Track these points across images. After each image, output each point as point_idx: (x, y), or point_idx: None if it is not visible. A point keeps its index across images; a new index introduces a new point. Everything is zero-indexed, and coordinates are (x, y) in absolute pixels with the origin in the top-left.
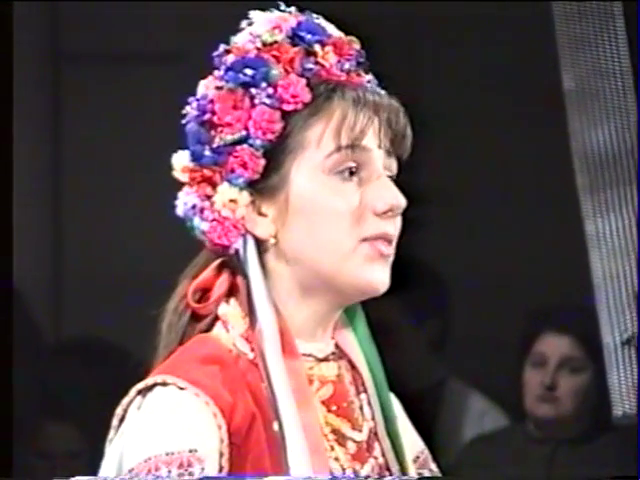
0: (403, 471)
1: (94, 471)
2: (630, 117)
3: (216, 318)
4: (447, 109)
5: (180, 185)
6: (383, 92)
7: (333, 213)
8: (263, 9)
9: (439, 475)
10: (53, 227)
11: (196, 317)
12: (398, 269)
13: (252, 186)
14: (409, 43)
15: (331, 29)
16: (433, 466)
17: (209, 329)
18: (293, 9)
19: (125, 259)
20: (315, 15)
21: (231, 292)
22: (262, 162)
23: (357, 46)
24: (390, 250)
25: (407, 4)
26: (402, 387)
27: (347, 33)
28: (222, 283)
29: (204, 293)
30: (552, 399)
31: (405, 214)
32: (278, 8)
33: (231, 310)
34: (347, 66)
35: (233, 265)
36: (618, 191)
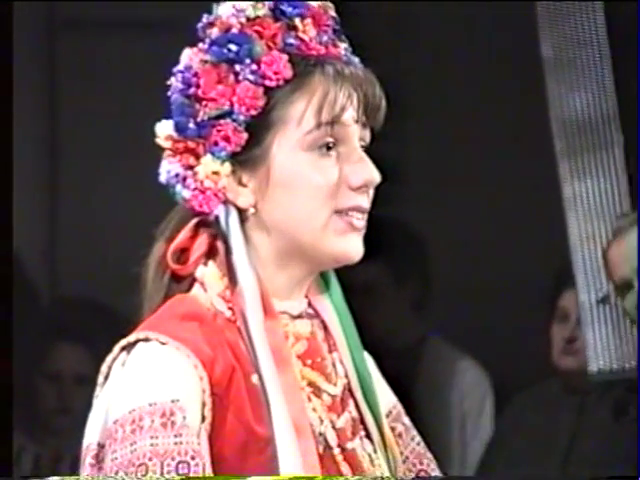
0: (378, 425)
1: None
2: (606, 84)
3: (194, 279)
4: (428, 79)
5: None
6: (358, 62)
7: (311, 187)
8: None
9: (413, 430)
10: (50, 196)
11: (175, 278)
12: (380, 232)
13: (234, 157)
14: (389, 14)
15: (310, 1)
16: (406, 420)
17: (188, 290)
18: None
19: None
20: None
21: (209, 254)
22: (244, 136)
23: (332, 12)
24: (362, 222)
25: None
26: (384, 344)
27: None
28: (200, 245)
29: (181, 253)
30: (573, 352)
31: (380, 188)
32: None
33: (208, 271)
34: (325, 38)
35: (211, 227)
36: (594, 155)
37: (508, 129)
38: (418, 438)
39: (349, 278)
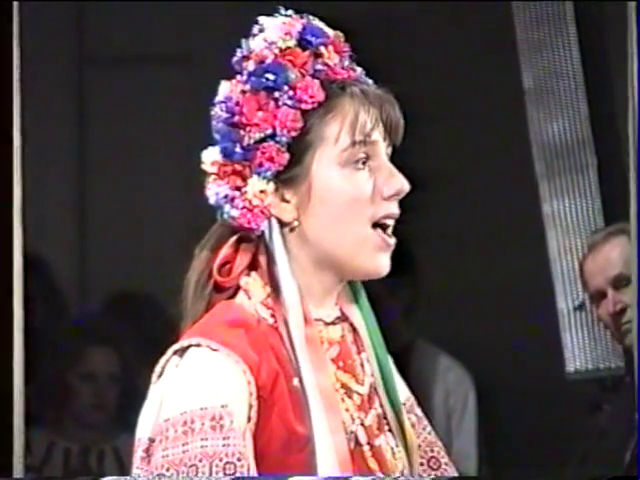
0: (398, 419)
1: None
2: (581, 112)
3: (238, 288)
4: (419, 106)
5: (198, 172)
6: (371, 83)
7: (349, 199)
8: (264, 14)
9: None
10: (79, 212)
11: (218, 288)
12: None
13: (277, 177)
14: (387, 43)
15: (327, 29)
16: (418, 411)
17: (231, 297)
18: (292, 12)
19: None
20: (311, 17)
21: (252, 266)
22: (287, 156)
23: (344, 41)
24: (393, 239)
25: (382, 14)
26: None
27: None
28: (243, 258)
29: (223, 267)
30: None
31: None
32: (278, 12)
33: (252, 281)
34: (346, 63)
35: (252, 241)
36: (571, 177)
37: (493, 152)
38: (429, 428)
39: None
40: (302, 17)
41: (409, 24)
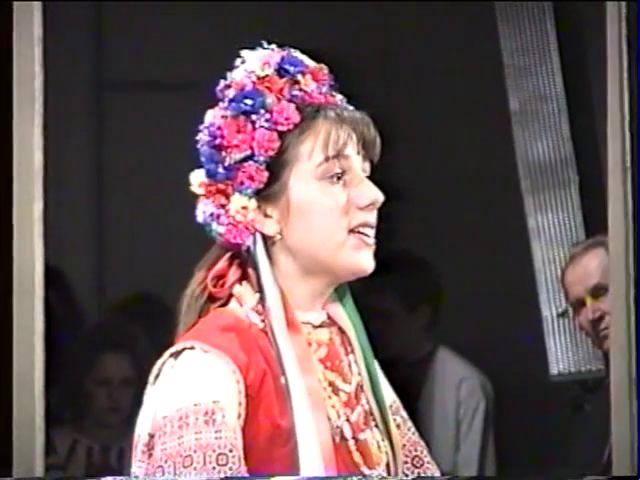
0: (383, 416)
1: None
2: (563, 132)
3: (230, 296)
4: (412, 127)
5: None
6: (353, 109)
7: (326, 211)
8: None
9: (408, 422)
10: (97, 223)
11: (212, 299)
12: (391, 263)
13: (258, 194)
14: (382, 71)
15: (307, 60)
16: (403, 413)
17: (224, 305)
18: (274, 46)
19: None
20: (292, 49)
21: (243, 276)
22: (265, 174)
23: (327, 71)
24: (372, 240)
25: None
26: (397, 360)
27: (318, 61)
28: (235, 271)
29: (218, 280)
30: None
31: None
32: (262, 46)
33: (243, 290)
34: (324, 89)
35: (242, 257)
36: (554, 192)
37: (482, 169)
38: (413, 429)
39: (369, 305)
40: (283, 49)
41: (405, 52)
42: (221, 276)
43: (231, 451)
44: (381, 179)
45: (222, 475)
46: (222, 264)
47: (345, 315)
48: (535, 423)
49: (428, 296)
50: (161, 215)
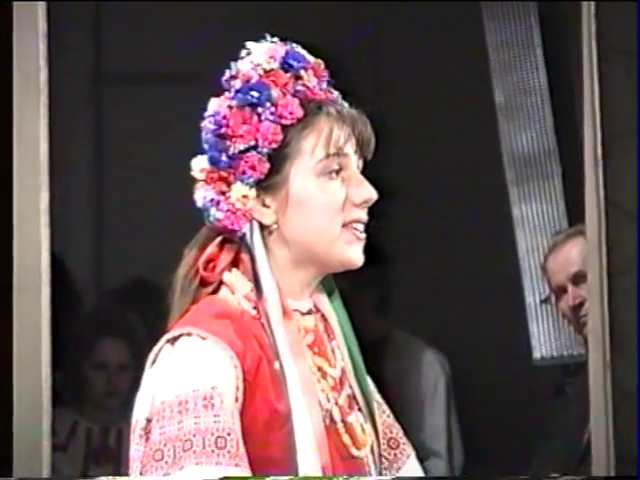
0: (366, 399)
1: (139, 384)
2: (547, 125)
3: (220, 283)
4: (402, 119)
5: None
6: (347, 105)
7: (323, 206)
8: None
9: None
10: (96, 209)
11: (203, 283)
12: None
13: (258, 184)
14: (371, 66)
15: (308, 56)
16: (378, 397)
17: (214, 292)
18: (277, 39)
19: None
20: (294, 44)
21: (234, 263)
22: (267, 165)
23: (324, 67)
24: (363, 235)
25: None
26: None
27: (330, 57)
28: (226, 256)
29: (208, 264)
30: None
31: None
32: (266, 39)
33: (234, 277)
34: (324, 86)
35: (233, 241)
36: (538, 183)
37: (468, 161)
38: (388, 411)
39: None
40: (286, 43)
41: (393, 48)
42: (211, 260)
43: (229, 434)
44: (370, 173)
45: (221, 458)
46: (213, 248)
47: (328, 303)
48: (519, 405)
49: (377, 279)
50: (159, 204)
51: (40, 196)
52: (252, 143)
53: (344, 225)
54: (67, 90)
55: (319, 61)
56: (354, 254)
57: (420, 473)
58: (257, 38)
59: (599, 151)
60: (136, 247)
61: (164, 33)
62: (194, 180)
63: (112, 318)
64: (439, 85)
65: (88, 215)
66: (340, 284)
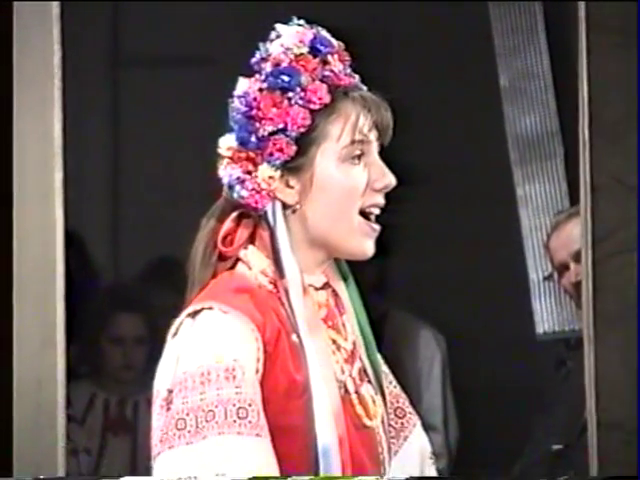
0: (375, 371)
1: (154, 357)
2: (550, 108)
3: (237, 260)
4: (412, 102)
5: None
6: (365, 89)
7: (345, 189)
8: (278, 21)
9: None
10: (112, 196)
11: (222, 257)
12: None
13: (284, 165)
14: (381, 52)
15: (333, 40)
16: (385, 367)
17: (232, 267)
18: (303, 22)
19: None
20: (320, 28)
21: (250, 239)
22: (294, 148)
23: (345, 50)
24: (378, 226)
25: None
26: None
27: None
28: (243, 232)
29: (225, 238)
30: None
31: None
32: (294, 22)
33: (250, 253)
34: (348, 71)
35: (251, 217)
36: (541, 164)
37: (473, 143)
38: (395, 382)
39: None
40: (312, 27)
41: (402, 34)
42: (228, 235)
43: (250, 405)
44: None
45: (242, 428)
46: (229, 224)
47: (339, 279)
48: (522, 377)
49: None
50: (174, 182)
51: (54, 176)
52: (281, 126)
53: (362, 210)
54: (85, 72)
55: (341, 44)
56: (368, 246)
57: (426, 442)
58: (270, 23)
59: (586, 132)
60: (152, 225)
61: (180, 17)
62: (219, 157)
63: (128, 293)
64: (446, 69)
65: (105, 193)
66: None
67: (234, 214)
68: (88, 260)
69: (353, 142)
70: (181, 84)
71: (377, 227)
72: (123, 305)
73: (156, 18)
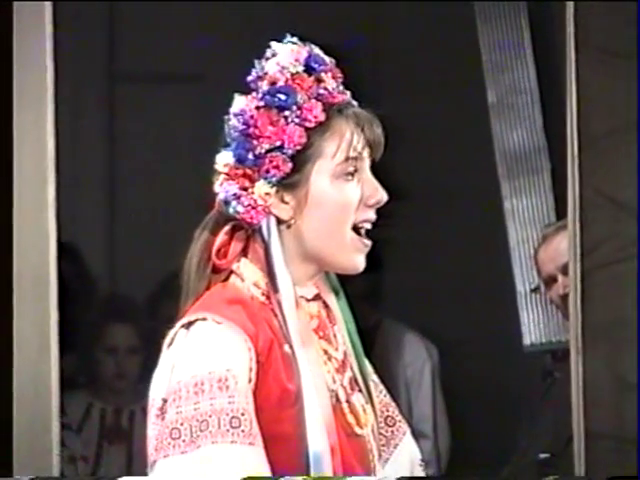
0: (365, 381)
1: (148, 366)
2: (537, 123)
3: (230, 272)
4: (402, 118)
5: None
6: (356, 104)
7: (340, 206)
8: (271, 39)
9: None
10: (109, 209)
11: (215, 269)
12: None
13: (279, 181)
14: (370, 68)
15: (325, 57)
16: (374, 377)
17: (225, 279)
18: (296, 39)
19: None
20: (313, 45)
21: (243, 252)
22: (290, 165)
23: (337, 67)
24: (369, 242)
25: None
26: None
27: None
28: (237, 245)
29: (219, 251)
30: None
31: None
32: (288, 39)
33: (243, 266)
34: (340, 88)
35: (243, 230)
36: (528, 178)
37: (462, 157)
38: (385, 391)
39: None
40: (305, 44)
41: (391, 49)
42: (222, 247)
43: (243, 414)
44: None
45: (235, 437)
46: (223, 236)
47: (330, 291)
48: (510, 388)
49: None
50: (167, 197)
51: (47, 189)
52: (278, 144)
53: (354, 226)
54: (79, 88)
55: (332, 60)
56: (358, 261)
57: (415, 449)
58: (261, 42)
59: (575, 145)
60: (146, 236)
61: (172, 35)
62: (216, 172)
63: (121, 303)
64: (434, 84)
65: (101, 205)
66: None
67: (227, 227)
68: (83, 270)
69: (347, 159)
70: (173, 100)
71: (368, 242)
72: (116, 316)
73: (150, 36)
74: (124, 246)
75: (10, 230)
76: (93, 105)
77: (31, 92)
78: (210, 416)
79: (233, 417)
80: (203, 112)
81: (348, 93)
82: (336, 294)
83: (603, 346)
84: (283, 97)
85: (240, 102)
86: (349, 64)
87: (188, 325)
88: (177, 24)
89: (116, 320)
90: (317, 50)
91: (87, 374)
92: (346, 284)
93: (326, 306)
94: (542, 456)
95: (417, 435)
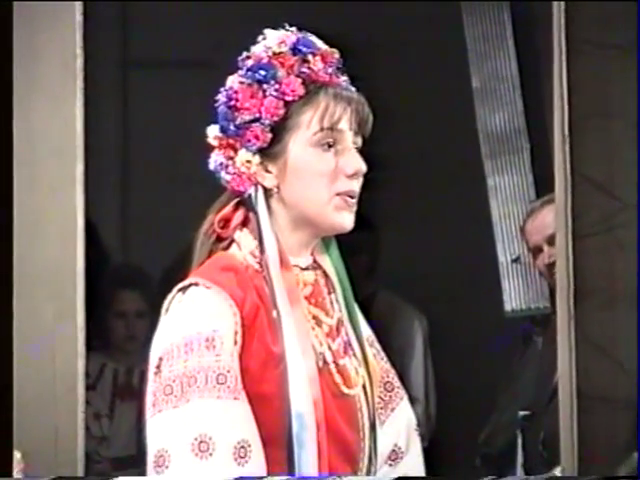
0: (361, 347)
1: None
2: (517, 107)
3: (232, 241)
4: (395, 103)
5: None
6: (354, 89)
7: (317, 173)
8: (275, 28)
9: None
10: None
11: (219, 239)
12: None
13: (262, 152)
14: (363, 58)
15: (320, 43)
16: (377, 345)
17: (227, 248)
18: (294, 29)
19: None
20: (309, 34)
21: (244, 223)
22: (269, 136)
23: (337, 55)
24: (354, 202)
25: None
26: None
27: (332, 46)
28: (238, 216)
29: (225, 223)
30: None
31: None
32: (285, 28)
33: (243, 235)
34: (330, 70)
35: (247, 204)
36: (509, 157)
37: (448, 138)
38: (386, 358)
39: None
40: (300, 32)
41: (383, 40)
42: (227, 219)
43: (229, 372)
44: (362, 147)
45: (221, 392)
46: (228, 209)
47: (329, 261)
48: (492, 352)
49: (366, 244)
50: (179, 175)
51: (76, 167)
52: (257, 115)
53: (337, 194)
54: (98, 74)
55: (332, 50)
56: (343, 219)
57: (412, 415)
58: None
59: (566, 128)
60: (158, 208)
61: (185, 24)
62: (210, 147)
63: (129, 272)
64: (424, 73)
65: (116, 186)
66: None
67: (234, 201)
68: (99, 244)
69: (322, 129)
70: (185, 85)
71: (351, 201)
72: (126, 283)
73: (163, 26)
74: (138, 224)
75: (10, 219)
76: (107, 90)
77: (62, 79)
78: (198, 372)
79: (219, 374)
80: (212, 95)
81: (342, 78)
82: (335, 264)
83: (591, 309)
84: (263, 72)
85: (229, 80)
86: (342, 52)
87: (183, 290)
88: (187, 15)
89: (125, 287)
90: (312, 37)
91: (101, 337)
92: (345, 258)
93: (326, 276)
94: (522, 413)
95: (410, 400)
